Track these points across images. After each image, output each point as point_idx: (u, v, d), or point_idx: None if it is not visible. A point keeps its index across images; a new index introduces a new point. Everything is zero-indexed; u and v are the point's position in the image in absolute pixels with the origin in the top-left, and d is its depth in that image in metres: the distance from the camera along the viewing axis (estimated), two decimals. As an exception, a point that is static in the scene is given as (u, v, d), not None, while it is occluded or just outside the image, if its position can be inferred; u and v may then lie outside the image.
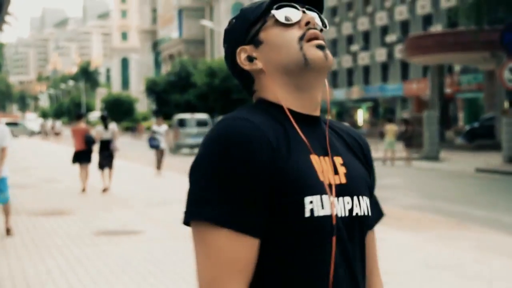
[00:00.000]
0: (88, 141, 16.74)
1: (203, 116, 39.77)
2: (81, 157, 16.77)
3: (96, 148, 17.25)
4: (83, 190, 16.57)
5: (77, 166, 17.04)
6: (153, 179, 20.51)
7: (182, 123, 37.19)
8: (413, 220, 11.77)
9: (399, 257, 8.57)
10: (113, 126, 17.40)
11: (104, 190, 16.66)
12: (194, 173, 1.59)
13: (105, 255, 8.74)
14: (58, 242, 9.68)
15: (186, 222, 1.61)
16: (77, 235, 10.28)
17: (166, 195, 15.92)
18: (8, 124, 70.02)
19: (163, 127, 22.60)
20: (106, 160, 17.03)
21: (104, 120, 17.39)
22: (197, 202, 1.56)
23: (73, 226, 11.18)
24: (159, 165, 21.80)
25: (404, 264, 8.14)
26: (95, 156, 17.23)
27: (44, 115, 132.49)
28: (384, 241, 9.64)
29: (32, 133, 72.29)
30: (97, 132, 17.30)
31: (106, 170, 17.17)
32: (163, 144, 22.13)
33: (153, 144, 22.00)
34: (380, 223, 11.40)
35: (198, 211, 1.56)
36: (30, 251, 9.07)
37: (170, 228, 10.90)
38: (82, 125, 17.11)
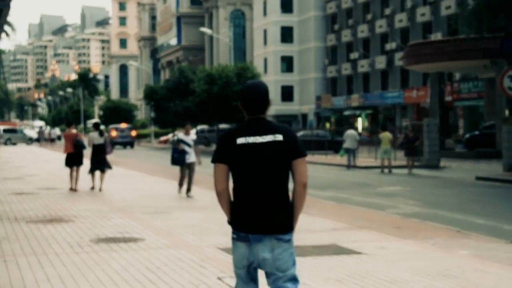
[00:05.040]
0: (77, 145, 18.54)
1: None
2: (73, 159, 18.52)
3: (88, 153, 18.86)
4: (72, 189, 18.38)
5: (69, 170, 18.74)
6: (153, 186, 20.42)
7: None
8: (413, 229, 11.72)
9: (399, 265, 8.53)
10: (104, 132, 19.04)
11: (92, 188, 18.56)
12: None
13: (105, 262, 8.69)
14: (57, 250, 9.63)
15: (212, 161, 4.70)
16: (76, 242, 10.22)
17: (166, 203, 15.87)
18: (7, 131, 69.84)
19: (192, 136, 17.78)
20: (99, 163, 18.52)
21: (97, 127, 19.00)
22: (213, 154, 4.69)
23: (72, 233, 11.12)
24: (189, 185, 17.31)
25: (405, 273, 8.09)
26: (86, 161, 18.90)
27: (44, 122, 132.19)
28: (384, 250, 9.60)
29: (30, 140, 72.08)
30: (90, 137, 18.83)
31: (97, 173, 18.78)
32: (193, 157, 17.56)
33: (177, 159, 17.55)
34: (380, 231, 11.37)
35: (212, 158, 4.70)
36: (29, 258, 9.02)
37: (170, 236, 10.85)
38: (72, 130, 19.04)
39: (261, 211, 4.55)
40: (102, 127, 19.78)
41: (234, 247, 4.70)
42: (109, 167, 18.79)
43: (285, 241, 4.59)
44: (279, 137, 4.59)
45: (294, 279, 4.66)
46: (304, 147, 4.64)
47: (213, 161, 4.67)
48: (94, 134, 18.70)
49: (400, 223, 12.40)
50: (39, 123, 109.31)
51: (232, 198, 4.69)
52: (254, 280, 4.72)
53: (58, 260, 8.87)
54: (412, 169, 27.91)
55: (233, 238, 4.70)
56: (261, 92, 4.70)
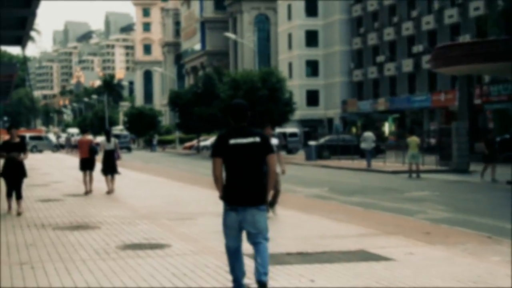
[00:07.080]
0: (92, 151, 19.84)
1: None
2: (86, 164, 19.81)
3: (100, 157, 20.18)
4: (86, 192, 19.48)
5: (82, 174, 20.02)
6: (179, 192, 20.40)
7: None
8: (442, 234, 11.54)
9: (429, 272, 8.38)
10: (114, 138, 20.43)
11: (108, 192, 19.42)
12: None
13: (131, 269, 8.65)
14: (84, 256, 9.62)
15: (211, 155, 6.99)
16: (103, 249, 10.21)
17: (191, 209, 15.83)
18: (33, 138, 70.15)
19: (273, 141, 13.30)
20: (110, 167, 19.73)
21: (107, 134, 20.45)
22: (212, 150, 6.99)
23: (99, 240, 11.11)
24: (273, 198, 12.44)
25: (434, 280, 7.94)
26: (98, 165, 20.18)
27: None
28: (413, 256, 9.45)
29: (56, 147, 72.42)
30: (101, 143, 20.37)
31: (109, 176, 19.82)
32: (277, 168, 13.16)
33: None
34: (408, 237, 11.19)
35: (211, 153, 6.99)
36: (56, 265, 9.01)
37: (196, 242, 10.79)
38: (87, 137, 20.86)
39: (246, 190, 6.78)
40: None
41: (227, 216, 6.89)
42: (117, 172, 20.02)
43: (262, 210, 6.85)
44: (257, 139, 6.86)
45: (265, 238, 6.92)
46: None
47: (212, 155, 6.91)
48: (104, 141, 20.20)
49: (429, 229, 12.22)
50: (73, 130, 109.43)
51: (224, 182, 6.85)
52: (239, 236, 6.96)
53: (85, 267, 8.86)
54: (494, 174, 24.87)
55: (225, 209, 6.88)
56: (244, 109, 6.97)
